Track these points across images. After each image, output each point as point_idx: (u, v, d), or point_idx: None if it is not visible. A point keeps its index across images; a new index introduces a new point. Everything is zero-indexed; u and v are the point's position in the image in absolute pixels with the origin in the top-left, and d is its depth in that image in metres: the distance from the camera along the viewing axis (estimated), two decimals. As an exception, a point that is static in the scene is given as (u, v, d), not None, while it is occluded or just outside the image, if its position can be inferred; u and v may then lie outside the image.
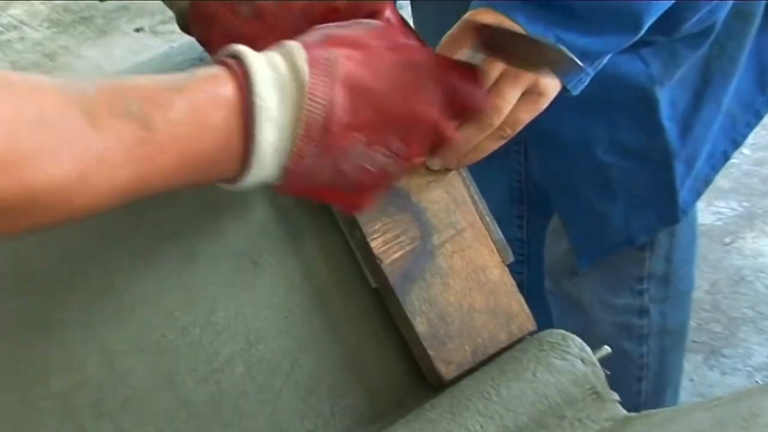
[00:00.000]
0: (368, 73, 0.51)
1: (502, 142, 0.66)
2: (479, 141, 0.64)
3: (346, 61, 0.51)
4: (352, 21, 0.55)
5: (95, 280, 0.60)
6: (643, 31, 0.69)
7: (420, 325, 0.63)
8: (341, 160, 0.51)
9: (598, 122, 0.87)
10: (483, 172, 0.69)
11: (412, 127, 0.53)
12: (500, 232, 0.67)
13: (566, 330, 0.63)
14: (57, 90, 0.45)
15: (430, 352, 0.63)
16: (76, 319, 0.59)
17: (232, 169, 0.50)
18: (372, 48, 0.52)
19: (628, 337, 1.03)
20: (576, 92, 0.69)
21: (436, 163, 0.63)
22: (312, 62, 0.50)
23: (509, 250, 0.67)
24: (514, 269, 0.67)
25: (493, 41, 0.58)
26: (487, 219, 0.66)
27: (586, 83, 0.69)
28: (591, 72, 0.69)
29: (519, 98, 0.64)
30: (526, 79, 0.63)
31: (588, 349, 0.62)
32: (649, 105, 0.85)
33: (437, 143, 0.56)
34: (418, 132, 0.53)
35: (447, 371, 0.63)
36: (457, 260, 0.64)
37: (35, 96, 0.44)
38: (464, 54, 0.61)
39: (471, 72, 0.57)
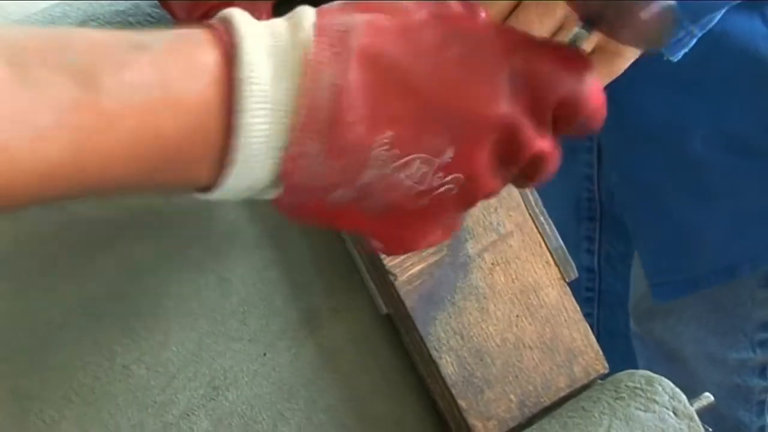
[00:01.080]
0: (400, 45, 0.48)
1: None
2: None
3: (369, 28, 0.48)
4: None
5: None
6: None
7: (448, 366, 0.62)
8: (359, 168, 0.49)
9: (699, 102, 0.88)
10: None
11: (467, 129, 0.50)
12: (560, 238, 0.66)
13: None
14: None
15: (462, 403, 0.62)
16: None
17: (207, 167, 0.48)
18: (408, 12, 0.50)
19: (745, 405, 1.03)
20: (675, 57, 0.69)
21: None
22: (321, 27, 0.47)
23: (572, 264, 0.66)
24: (581, 308, 0.67)
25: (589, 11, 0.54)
26: (542, 220, 0.66)
27: (689, 47, 0.69)
28: (697, 32, 0.69)
29: None
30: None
31: (682, 396, 0.61)
32: (769, 81, 0.87)
33: (516, 156, 0.51)
34: (478, 136, 0.50)
35: (485, 429, 0.62)
36: (499, 276, 0.64)
37: None
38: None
39: (566, 54, 0.52)
